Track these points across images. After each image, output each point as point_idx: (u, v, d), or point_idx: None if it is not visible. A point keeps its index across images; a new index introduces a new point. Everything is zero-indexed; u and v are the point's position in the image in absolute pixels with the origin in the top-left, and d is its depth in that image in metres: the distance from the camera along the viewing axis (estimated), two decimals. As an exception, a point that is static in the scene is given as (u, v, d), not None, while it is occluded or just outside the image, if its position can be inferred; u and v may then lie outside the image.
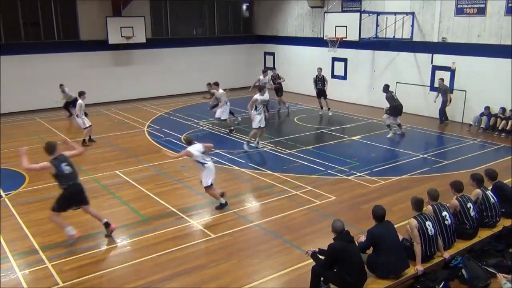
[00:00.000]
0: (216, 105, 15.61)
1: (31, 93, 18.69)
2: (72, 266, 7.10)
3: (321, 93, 17.66)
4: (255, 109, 12.78)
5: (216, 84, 15.23)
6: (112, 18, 20.08)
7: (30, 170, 7.99)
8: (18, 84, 18.39)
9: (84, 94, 13.77)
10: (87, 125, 13.79)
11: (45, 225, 8.40)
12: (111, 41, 20.08)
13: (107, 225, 8.07)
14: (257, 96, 12.63)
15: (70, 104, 17.46)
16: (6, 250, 7.64)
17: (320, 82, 17.56)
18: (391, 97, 14.14)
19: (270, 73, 18.19)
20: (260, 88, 13.04)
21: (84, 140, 13.83)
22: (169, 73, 22.17)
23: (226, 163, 12.04)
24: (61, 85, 17.62)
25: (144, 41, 20.84)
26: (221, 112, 15.07)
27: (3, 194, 10.08)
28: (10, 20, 18.72)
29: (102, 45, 20.08)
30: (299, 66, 22.15)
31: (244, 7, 25.01)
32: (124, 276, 6.93)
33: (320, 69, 17.74)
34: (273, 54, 24.27)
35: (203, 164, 8.87)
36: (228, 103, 15.23)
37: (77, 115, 13.75)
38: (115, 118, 17.81)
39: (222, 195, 9.21)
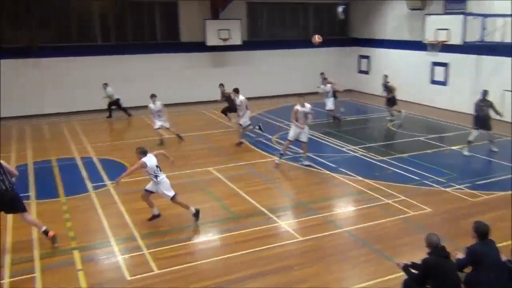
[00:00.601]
0: (229, 109, 16.34)
1: (134, 90, 19.95)
2: (166, 255, 7.49)
3: (387, 100, 16.96)
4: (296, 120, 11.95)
5: (236, 91, 14.64)
6: (210, 21, 20.89)
7: None
8: (124, 83, 19.73)
9: (153, 97, 14.06)
10: (156, 127, 14.10)
11: (145, 215, 8.95)
12: (209, 42, 20.90)
13: (45, 233, 7.80)
14: (297, 107, 11.93)
15: (113, 104, 18.16)
16: (109, 234, 8.26)
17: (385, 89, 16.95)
18: (476, 105, 12.84)
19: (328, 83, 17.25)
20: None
21: (179, 136, 14.44)
22: (263, 75, 22.53)
23: (317, 166, 11.97)
24: (104, 84, 18.03)
25: (240, 43, 21.41)
26: (244, 120, 14.29)
27: (108, 183, 10.92)
28: (122, 23, 20.25)
29: (200, 46, 20.97)
30: (395, 71, 21.40)
31: (340, 9, 24.69)
32: (213, 269, 7.18)
33: (386, 76, 17.12)
34: (367, 57, 23.70)
35: (156, 177, 8.41)
36: (248, 109, 14.62)
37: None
38: (210, 117, 18.48)
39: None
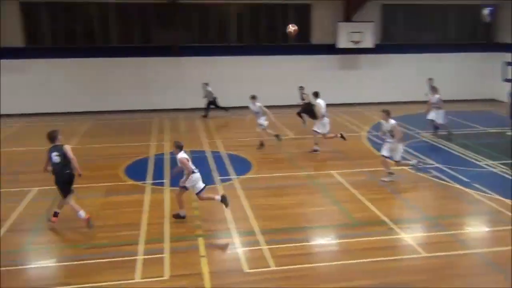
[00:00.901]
0: (305, 112, 16.09)
1: (264, 91, 20.56)
2: (284, 253, 7.61)
3: None
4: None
5: (316, 94, 13.81)
6: (343, 23, 20.69)
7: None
8: (254, 83, 20.48)
9: (253, 98, 13.93)
10: (257, 128, 14.03)
11: (266, 211, 9.23)
12: (340, 45, 20.72)
13: (55, 214, 8.50)
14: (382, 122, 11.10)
15: (211, 104, 18.55)
16: (231, 226, 8.65)
17: None
18: None
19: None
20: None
21: (277, 135, 14.20)
22: (395, 79, 21.67)
23: (447, 179, 11.18)
24: (204, 84, 18.58)
25: (372, 46, 20.87)
26: (321, 127, 13.62)
27: (233, 177, 11.44)
28: (255, 25, 21.07)
29: (330, 49, 20.89)
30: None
31: (487, 11, 22.63)
32: (331, 274, 7.11)
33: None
34: (514, 64, 21.42)
35: (194, 173, 8.65)
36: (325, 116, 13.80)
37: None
38: (336, 121, 18.30)
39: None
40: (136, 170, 11.96)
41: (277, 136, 14.14)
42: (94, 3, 19.40)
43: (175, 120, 18.63)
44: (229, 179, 11.32)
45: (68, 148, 8.42)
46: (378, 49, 21.18)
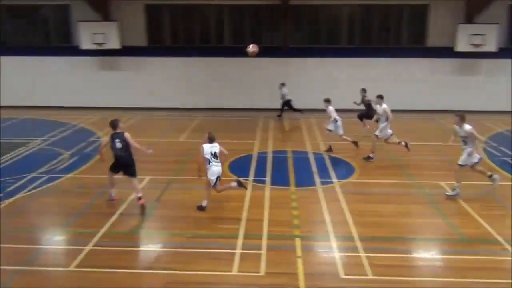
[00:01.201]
0: (366, 115, 15.65)
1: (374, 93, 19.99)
2: (383, 263, 7.33)
3: None
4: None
5: (380, 97, 13.05)
6: (463, 25, 19.31)
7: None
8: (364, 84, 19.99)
9: (327, 101, 13.62)
10: (339, 133, 13.62)
11: (366, 217, 8.98)
12: (458, 48, 19.38)
13: (138, 199, 9.21)
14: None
15: (286, 105, 18.43)
16: (330, 230, 8.54)
17: None
18: None
19: None
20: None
21: (355, 142, 13.81)
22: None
23: None
24: (281, 84, 18.37)
25: (495, 50, 19.21)
26: (383, 132, 12.84)
27: (334, 180, 11.29)
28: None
29: (447, 52, 19.63)
30: None
31: None
32: (431, 290, 6.71)
33: None
34: None
35: (209, 162, 9.03)
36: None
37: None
38: (445, 127, 17.18)
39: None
40: (240, 167, 12.33)
41: (355, 143, 13.81)
42: (211, 5, 20.38)
43: (279, 119, 18.88)
44: (330, 182, 11.18)
45: (128, 136, 9.33)
46: (502, 53, 19.44)
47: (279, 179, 11.34)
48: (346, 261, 7.44)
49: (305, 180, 11.33)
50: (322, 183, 11.12)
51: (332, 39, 20.70)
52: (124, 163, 9.39)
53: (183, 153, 13.58)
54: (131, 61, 20.55)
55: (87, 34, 19.48)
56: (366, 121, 15.92)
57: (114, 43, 19.65)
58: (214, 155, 9.18)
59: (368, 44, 20.56)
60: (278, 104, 20.26)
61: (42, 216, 9.51)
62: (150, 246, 8.11)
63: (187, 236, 8.30)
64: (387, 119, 12.62)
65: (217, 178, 9.23)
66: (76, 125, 17.35)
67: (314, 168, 12.29)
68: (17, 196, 10.21)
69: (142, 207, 9.27)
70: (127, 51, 20.10)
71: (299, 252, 7.73)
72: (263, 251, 7.72)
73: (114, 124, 9.40)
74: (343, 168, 12.27)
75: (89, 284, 6.85)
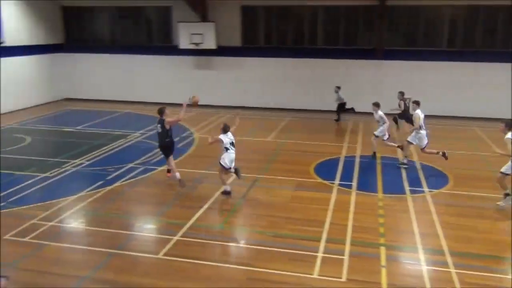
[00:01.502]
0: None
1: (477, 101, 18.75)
2: (475, 281, 6.84)
3: None
4: None
5: (417, 103, 12.45)
6: None
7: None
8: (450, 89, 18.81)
9: (376, 105, 13.08)
10: (383, 137, 13.04)
11: (459, 231, 8.44)
12: None
13: (180, 181, 10.51)
14: None
15: (341, 108, 18.08)
16: (418, 241, 8.12)
17: None
18: None
19: None
20: None
21: (400, 146, 13.20)
22: None
23: None
24: (336, 87, 18.01)
25: None
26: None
27: (426, 190, 10.72)
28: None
29: None
30: None
31: None
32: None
33: None
34: None
35: (227, 150, 9.95)
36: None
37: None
38: None
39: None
40: (326, 169, 12.17)
41: (400, 147, 13.16)
42: (305, 6, 20.35)
43: (370, 123, 18.30)
44: (421, 191, 10.64)
45: (167, 122, 10.43)
46: None
47: (366, 185, 11.01)
48: (434, 275, 7.03)
49: (394, 187, 10.89)
50: (412, 191, 10.61)
51: (431, 42, 19.66)
52: (163, 146, 10.70)
53: (270, 153, 13.71)
54: (226, 60, 21.17)
55: (186, 34, 20.40)
56: (402, 123, 15.45)
57: (210, 43, 20.36)
58: (232, 144, 10.17)
59: (471, 47, 19.23)
60: (369, 108, 19.73)
61: (135, 204, 10.14)
62: (233, 242, 8.29)
63: (269, 235, 8.36)
64: (421, 127, 12.11)
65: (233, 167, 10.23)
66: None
67: (404, 175, 11.78)
68: (116, 184, 10.98)
69: (181, 182, 10.56)
70: (222, 51, 20.74)
71: (383, 261, 7.45)
72: (346, 257, 7.55)
73: (160, 111, 10.62)
74: (436, 178, 11.61)
75: (173, 272, 7.16)
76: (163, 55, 21.66)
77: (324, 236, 8.29)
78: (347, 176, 11.63)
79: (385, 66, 19.67)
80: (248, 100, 21.06)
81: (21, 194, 10.25)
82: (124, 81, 22.24)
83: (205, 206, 9.64)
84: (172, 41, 21.49)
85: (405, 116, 15.14)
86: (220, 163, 10.09)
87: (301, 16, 20.78)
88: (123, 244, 8.00)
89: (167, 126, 10.50)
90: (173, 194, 10.44)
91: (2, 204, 9.64)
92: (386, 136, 13.12)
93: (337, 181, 11.25)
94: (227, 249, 8.07)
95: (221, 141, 10.06)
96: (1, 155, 13.18)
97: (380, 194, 10.44)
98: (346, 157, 13.30)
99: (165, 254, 7.65)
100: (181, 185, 10.58)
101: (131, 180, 11.30)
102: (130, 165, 12.28)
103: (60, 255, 7.68)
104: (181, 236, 8.27)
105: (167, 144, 10.67)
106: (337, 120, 18.59)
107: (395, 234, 8.51)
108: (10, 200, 9.88)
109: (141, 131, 16.09)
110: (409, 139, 12.39)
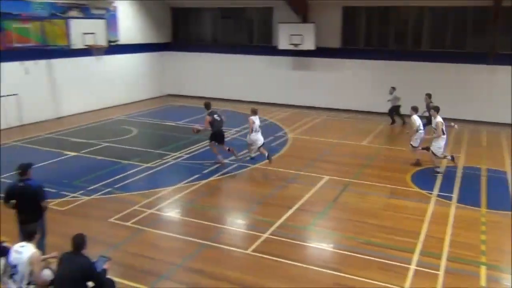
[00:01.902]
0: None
1: None
2: None
3: None
4: None
5: (436, 109, 12.06)
6: None
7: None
8: None
9: (415, 110, 12.74)
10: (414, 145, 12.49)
11: None
12: None
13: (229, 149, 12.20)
14: None
15: (394, 110, 17.23)
16: (524, 264, 7.44)
17: None
18: None
19: None
20: None
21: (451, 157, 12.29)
22: None
23: None
24: (392, 88, 17.51)
25: None
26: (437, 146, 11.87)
27: (537, 208, 9.76)
28: None
29: None
30: None
31: None
32: None
33: None
34: None
35: (256, 132, 11.88)
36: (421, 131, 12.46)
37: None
38: None
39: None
40: (424, 178, 11.56)
41: (451, 157, 12.30)
42: (410, 7, 19.49)
43: (475, 132, 17.08)
44: (532, 210, 9.69)
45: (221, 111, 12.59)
46: None
47: (468, 198, 10.28)
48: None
49: (499, 202, 10.04)
50: (520, 209, 9.71)
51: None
52: (220, 134, 12.13)
53: (365, 157, 13.34)
54: (324, 62, 20.99)
55: (285, 35, 20.55)
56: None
57: (309, 44, 20.32)
58: (259, 126, 12.15)
59: None
60: (474, 115, 18.51)
61: (228, 199, 10.47)
62: (321, 244, 8.20)
63: (359, 241, 8.15)
64: (443, 132, 11.76)
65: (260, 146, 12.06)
66: (266, 120, 18.50)
67: (512, 190, 10.84)
68: (211, 178, 11.40)
69: (231, 152, 12.26)
70: (320, 52, 20.60)
71: (483, 281, 6.92)
72: (441, 272, 7.12)
73: (206, 105, 12.42)
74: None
75: (260, 268, 7.26)
76: (262, 55, 22.05)
77: (419, 248, 7.89)
78: (447, 187, 10.95)
79: (497, 71, 18.19)
80: (344, 102, 20.70)
81: (126, 182, 11.06)
82: (224, 80, 23.00)
83: (295, 207, 9.65)
84: (272, 42, 21.79)
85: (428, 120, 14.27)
86: (251, 139, 12.04)
87: (404, 17, 19.97)
88: (214, 237, 8.29)
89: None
90: (265, 192, 10.59)
91: (108, 189, 10.48)
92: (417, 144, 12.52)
93: (435, 192, 10.64)
94: (315, 251, 8.01)
95: (253, 122, 11.85)
96: (110, 144, 14.33)
97: (483, 209, 9.69)
98: (447, 167, 12.51)
99: (253, 250, 7.79)
100: (235, 154, 12.41)
101: (226, 175, 11.66)
102: (225, 161, 12.67)
103: (156, 241, 8.16)
104: (270, 234, 8.36)
105: (223, 133, 12.38)
106: (392, 123, 17.96)
107: (499, 253, 7.85)
108: (116, 186, 10.70)
109: (237, 129, 16.52)
110: (433, 148, 11.87)
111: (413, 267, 7.27)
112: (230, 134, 15.75)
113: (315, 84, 21.18)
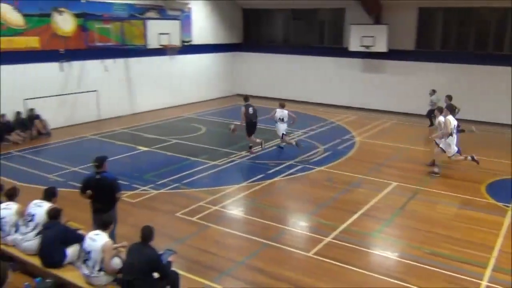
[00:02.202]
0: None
1: None
2: None
3: None
4: None
5: (440, 110, 12.04)
6: None
7: None
8: None
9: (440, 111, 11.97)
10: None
11: None
12: None
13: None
14: None
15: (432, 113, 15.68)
16: None
17: None
18: None
19: None
20: None
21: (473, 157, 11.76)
22: None
23: None
24: (432, 91, 16.99)
25: None
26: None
27: None
28: None
29: None
30: None
31: None
32: None
33: None
34: None
35: (282, 120, 13.64)
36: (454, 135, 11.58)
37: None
38: None
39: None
40: (501, 190, 10.86)
41: (473, 158, 11.81)
42: (492, 8, 18.38)
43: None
44: None
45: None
46: None
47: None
48: None
49: None
50: None
51: None
52: (252, 125, 13.36)
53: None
54: (396, 64, 20.35)
55: (357, 37, 20.17)
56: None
57: (381, 46, 19.80)
58: (282, 119, 13.60)
59: None
60: None
61: (291, 200, 10.46)
62: (385, 252, 7.96)
63: (426, 252, 7.84)
64: (451, 133, 11.42)
65: (282, 134, 13.64)
66: (333, 122, 18.30)
67: None
68: (275, 178, 11.46)
69: (297, 145, 13.60)
70: (392, 54, 20.01)
71: None
72: (514, 291, 6.68)
73: (245, 98, 13.75)
74: None
75: (321, 272, 7.19)
76: (332, 56, 21.80)
77: (491, 263, 7.45)
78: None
79: None
80: (416, 106, 19.88)
81: (193, 178, 11.40)
82: (292, 81, 22.99)
83: (360, 212, 9.46)
84: (342, 43, 21.48)
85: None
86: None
87: (485, 19, 18.87)
88: (276, 237, 8.32)
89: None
90: (329, 195, 10.47)
91: (176, 184, 10.85)
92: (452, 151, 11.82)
93: (513, 205, 9.99)
94: (378, 258, 7.80)
95: (275, 112, 13.68)
96: (180, 141, 14.83)
97: None
98: (526, 179, 11.69)
99: (315, 253, 7.73)
100: (299, 147, 13.58)
101: (290, 176, 11.67)
102: (290, 162, 12.67)
103: (220, 238, 8.33)
104: (333, 238, 8.26)
105: (256, 125, 13.50)
106: (430, 126, 17.00)
107: None
108: (183, 182, 11.06)
109: (303, 130, 16.47)
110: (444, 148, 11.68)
111: (484, 283, 6.88)
112: (296, 135, 15.73)
113: (386, 87, 20.60)
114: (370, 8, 19.93)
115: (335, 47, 21.86)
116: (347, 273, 7.16)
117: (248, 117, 13.32)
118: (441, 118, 11.79)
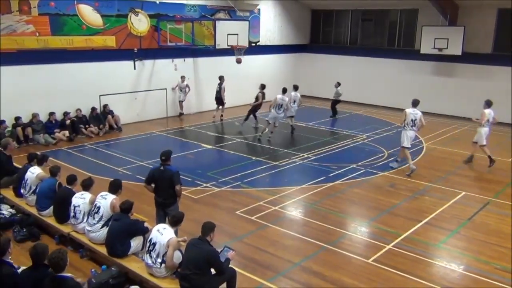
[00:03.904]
0: None
1: None
2: None
3: None
4: None
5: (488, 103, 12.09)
6: None
7: None
8: None
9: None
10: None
11: None
12: None
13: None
14: None
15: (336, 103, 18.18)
16: None
17: None
18: None
19: None
20: None
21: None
22: None
23: None
24: (337, 83, 18.51)
25: None
26: None
27: None
28: None
29: None
30: None
31: None
32: None
33: None
34: None
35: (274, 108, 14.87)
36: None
37: None
38: None
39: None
40: None
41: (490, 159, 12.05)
42: None
43: None
44: None
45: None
46: None
47: None
48: None
49: None
50: None
51: None
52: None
53: (510, 175, 12.02)
54: (471, 68, 19.35)
55: (429, 39, 19.39)
56: None
57: (455, 49, 18.89)
58: (281, 106, 14.42)
59: None
60: None
61: (352, 205, 10.26)
62: (450, 264, 7.59)
63: (495, 267, 7.40)
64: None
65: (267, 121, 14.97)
66: (400, 127, 17.67)
67: None
68: (336, 182, 11.30)
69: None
70: (467, 57, 19.03)
71: None
72: None
73: (285, 89, 15.23)
74: None
75: (380, 280, 7.00)
76: (402, 58, 21.16)
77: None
78: None
79: None
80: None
81: (254, 177, 11.51)
82: (359, 83, 22.53)
83: (424, 221, 9.10)
84: (414, 45, 20.76)
85: None
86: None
87: None
88: (334, 241, 8.21)
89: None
90: (392, 201, 10.16)
91: (237, 183, 11.01)
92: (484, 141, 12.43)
93: None
94: (441, 270, 7.46)
95: (275, 100, 14.56)
96: (243, 141, 15.04)
97: None
98: None
99: (374, 260, 7.55)
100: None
101: (351, 180, 11.46)
102: (353, 165, 12.45)
103: (278, 238, 8.35)
104: (394, 246, 8.02)
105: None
106: (331, 116, 19.06)
107: None
108: (244, 180, 11.20)
109: (368, 134, 16.11)
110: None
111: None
112: (361, 139, 15.41)
113: (458, 92, 19.65)
114: (445, 9, 19.10)
115: (405, 49, 21.20)
116: (407, 282, 6.92)
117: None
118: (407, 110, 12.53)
